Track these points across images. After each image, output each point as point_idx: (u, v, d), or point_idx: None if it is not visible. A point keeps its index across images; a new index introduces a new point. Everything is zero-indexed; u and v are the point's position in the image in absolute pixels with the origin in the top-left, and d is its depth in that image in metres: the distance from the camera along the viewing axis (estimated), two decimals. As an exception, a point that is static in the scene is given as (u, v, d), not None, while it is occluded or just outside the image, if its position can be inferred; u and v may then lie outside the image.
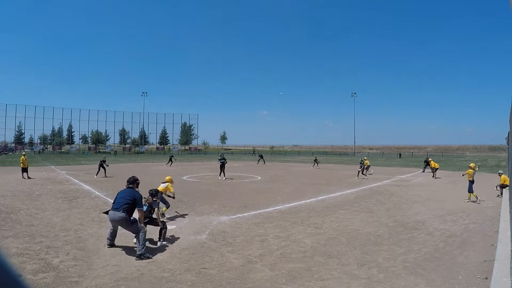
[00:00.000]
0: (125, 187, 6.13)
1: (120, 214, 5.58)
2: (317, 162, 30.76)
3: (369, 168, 22.45)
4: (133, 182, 6.15)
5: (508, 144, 14.47)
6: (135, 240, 5.84)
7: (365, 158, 23.96)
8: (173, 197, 9.02)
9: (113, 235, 5.99)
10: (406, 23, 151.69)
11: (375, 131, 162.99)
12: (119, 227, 5.88)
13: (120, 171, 22.47)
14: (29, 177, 17.24)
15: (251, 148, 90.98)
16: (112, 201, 6.06)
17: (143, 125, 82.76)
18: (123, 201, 5.70)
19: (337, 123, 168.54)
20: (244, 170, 26.52)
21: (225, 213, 9.22)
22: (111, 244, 5.93)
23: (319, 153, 73.37)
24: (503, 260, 4.86)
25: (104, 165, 19.20)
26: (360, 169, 19.75)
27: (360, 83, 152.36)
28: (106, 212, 5.99)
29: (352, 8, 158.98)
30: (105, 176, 18.45)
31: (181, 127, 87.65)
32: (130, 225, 5.64)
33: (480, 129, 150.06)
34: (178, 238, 6.64)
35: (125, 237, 6.64)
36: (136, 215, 5.83)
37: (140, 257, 5.33)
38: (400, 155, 55.07)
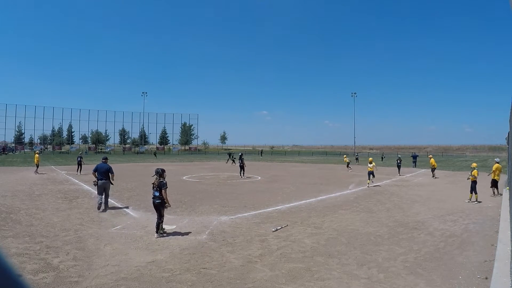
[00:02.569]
0: (101, 162, 9.84)
1: (105, 181, 9.44)
2: (357, 159, 33.76)
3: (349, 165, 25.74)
4: (105, 158, 10.05)
5: (508, 144, 14.47)
6: (164, 227, 7.02)
7: (344, 155, 29.12)
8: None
9: (102, 199, 9.25)
10: (406, 23, 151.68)
11: (375, 131, 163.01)
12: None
13: (132, 173, 22.38)
14: (37, 172, 20.00)
15: (251, 148, 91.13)
16: (95, 171, 9.63)
17: (143, 125, 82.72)
18: (104, 173, 9.51)
19: (336, 123, 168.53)
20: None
21: (225, 213, 9.22)
22: (100, 206, 9.16)
23: (319, 153, 73.36)
24: (503, 260, 4.87)
25: (82, 162, 20.88)
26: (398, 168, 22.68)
27: (360, 83, 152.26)
28: (95, 183, 9.47)
29: (352, 8, 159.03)
30: (79, 174, 19.74)
31: (181, 127, 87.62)
32: (108, 187, 9.50)
33: (480, 129, 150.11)
34: (178, 238, 6.64)
35: (125, 237, 6.65)
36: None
37: (106, 209, 9.20)
38: (382, 158, 43.37)
